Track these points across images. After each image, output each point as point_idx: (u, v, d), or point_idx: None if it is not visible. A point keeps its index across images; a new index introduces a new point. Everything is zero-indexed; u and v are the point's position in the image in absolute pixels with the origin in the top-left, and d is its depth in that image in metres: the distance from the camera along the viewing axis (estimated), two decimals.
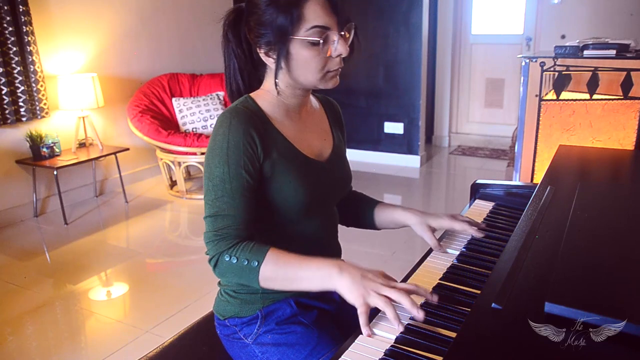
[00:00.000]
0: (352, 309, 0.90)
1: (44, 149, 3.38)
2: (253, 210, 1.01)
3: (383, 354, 0.81)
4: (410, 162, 4.75)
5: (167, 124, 3.90)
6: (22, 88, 3.29)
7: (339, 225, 1.26)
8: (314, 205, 1.08)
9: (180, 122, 4.04)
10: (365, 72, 4.80)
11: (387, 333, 0.85)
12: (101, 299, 2.53)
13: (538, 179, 2.29)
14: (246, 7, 1.02)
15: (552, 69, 2.24)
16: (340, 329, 1.11)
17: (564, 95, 2.23)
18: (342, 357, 0.81)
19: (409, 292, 0.88)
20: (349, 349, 0.83)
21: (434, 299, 0.91)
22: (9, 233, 3.28)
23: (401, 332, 0.84)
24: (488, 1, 5.15)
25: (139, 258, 2.95)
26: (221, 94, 4.32)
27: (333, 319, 1.15)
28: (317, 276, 0.93)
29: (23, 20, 3.22)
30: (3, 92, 3.22)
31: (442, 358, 0.77)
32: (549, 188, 1.19)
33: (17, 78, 3.27)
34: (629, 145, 2.16)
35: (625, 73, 2.09)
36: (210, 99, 4.20)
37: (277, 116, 1.07)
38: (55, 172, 3.34)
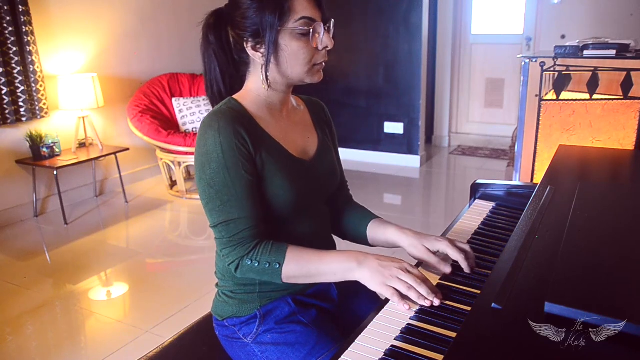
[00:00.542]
0: (351, 308, 0.90)
1: (44, 149, 3.38)
2: (261, 205, 1.02)
3: (383, 354, 0.81)
4: (410, 162, 4.75)
5: (167, 124, 3.90)
6: (22, 88, 3.29)
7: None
8: (302, 202, 1.08)
9: (180, 122, 4.04)
10: (365, 72, 4.80)
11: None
12: (101, 299, 2.53)
13: (538, 179, 2.29)
14: (228, 5, 1.04)
15: (552, 69, 2.24)
16: (339, 328, 1.12)
17: (564, 95, 2.23)
18: (342, 357, 0.81)
19: (424, 280, 0.94)
20: (349, 349, 0.83)
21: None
22: (9, 233, 3.28)
23: (401, 332, 0.84)
24: (488, 1, 5.15)
25: (139, 258, 2.95)
26: None
27: (332, 318, 1.15)
28: (339, 270, 0.99)
29: (23, 20, 3.22)
30: (3, 92, 3.22)
31: (442, 358, 0.77)
32: (549, 188, 1.19)
33: (17, 78, 3.27)
34: (629, 145, 2.16)
35: (625, 73, 2.09)
36: None
37: (262, 115, 1.07)
38: (55, 172, 3.34)
